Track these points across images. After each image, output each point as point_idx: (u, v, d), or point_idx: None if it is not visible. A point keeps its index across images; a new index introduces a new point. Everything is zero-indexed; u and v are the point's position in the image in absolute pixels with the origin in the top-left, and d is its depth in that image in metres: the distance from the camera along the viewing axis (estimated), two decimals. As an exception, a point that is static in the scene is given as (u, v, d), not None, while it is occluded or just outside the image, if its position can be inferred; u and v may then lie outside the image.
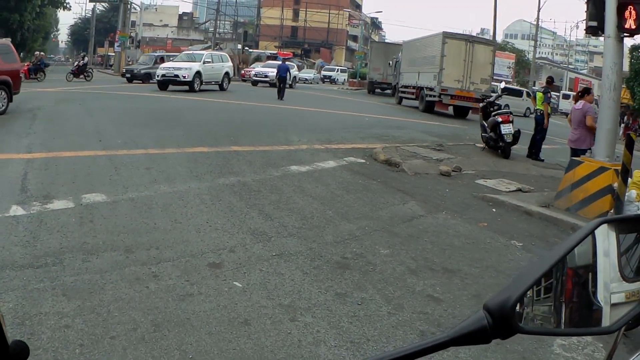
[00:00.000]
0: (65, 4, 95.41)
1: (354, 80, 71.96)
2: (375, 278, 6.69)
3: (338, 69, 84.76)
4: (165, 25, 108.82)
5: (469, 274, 7.10)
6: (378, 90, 53.47)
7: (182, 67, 35.96)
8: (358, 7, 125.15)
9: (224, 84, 39.24)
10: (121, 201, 9.60)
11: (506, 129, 16.32)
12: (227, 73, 39.79)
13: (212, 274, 6.53)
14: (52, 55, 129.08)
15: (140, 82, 44.53)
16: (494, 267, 7.59)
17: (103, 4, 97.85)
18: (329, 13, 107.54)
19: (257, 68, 55.60)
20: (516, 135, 16.40)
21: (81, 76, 44.99)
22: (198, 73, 36.07)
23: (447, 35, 32.10)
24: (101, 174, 11.57)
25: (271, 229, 8.42)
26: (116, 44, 70.09)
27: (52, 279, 6.19)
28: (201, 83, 36.61)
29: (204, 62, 37.04)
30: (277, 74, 36.73)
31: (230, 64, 42.49)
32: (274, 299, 5.92)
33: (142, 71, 46.14)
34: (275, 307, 5.74)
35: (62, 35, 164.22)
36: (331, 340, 5.14)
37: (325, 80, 78.31)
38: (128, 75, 46.67)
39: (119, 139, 15.42)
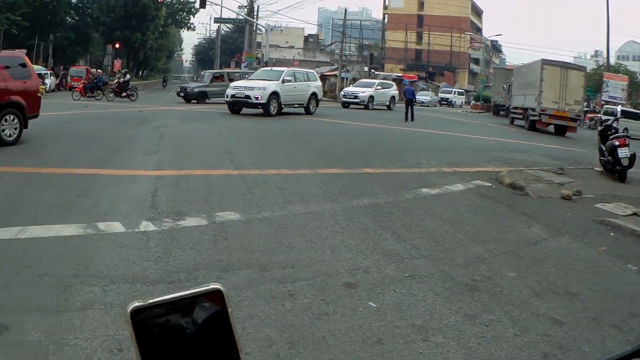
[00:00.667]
0: (189, 25, 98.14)
1: (477, 103, 71.30)
2: (503, 300, 6.69)
3: (455, 92, 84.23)
4: (292, 47, 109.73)
5: (589, 297, 7.02)
6: (502, 113, 53.61)
7: (256, 86, 31.48)
8: (478, 30, 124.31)
9: (311, 107, 34.69)
10: (255, 220, 9.77)
11: (623, 153, 16.01)
12: (314, 94, 34.93)
13: (347, 294, 6.61)
14: (177, 74, 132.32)
15: (195, 102, 43.46)
16: (612, 291, 7.47)
17: (228, 25, 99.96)
18: (451, 36, 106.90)
19: (347, 88, 52.59)
20: (632, 159, 16.07)
21: (123, 95, 42.42)
22: (275, 94, 31.45)
23: (545, 62, 36.55)
24: (234, 193, 11.85)
25: (404, 250, 8.46)
26: (243, 65, 71.21)
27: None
28: (279, 106, 32.03)
29: (283, 81, 32.14)
30: (404, 96, 37.89)
31: (318, 83, 36.93)
32: (407, 319, 5.97)
33: (196, 90, 44.55)
34: (408, 327, 5.78)
35: (187, 54, 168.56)
36: None
37: (443, 103, 78.05)
38: (182, 94, 44.58)
39: (251, 159, 15.81)
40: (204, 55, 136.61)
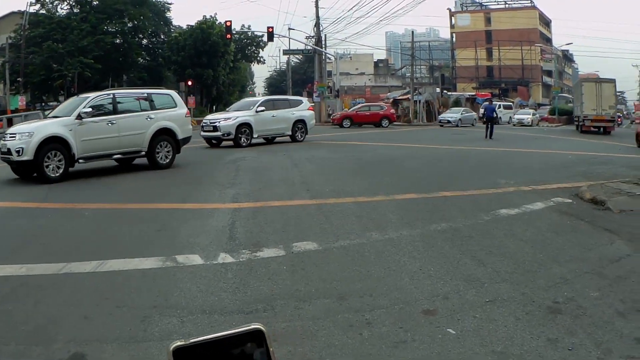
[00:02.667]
0: (259, 58, 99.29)
1: (553, 116, 70.25)
2: (585, 322, 6.50)
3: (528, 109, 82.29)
4: (362, 73, 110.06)
5: (673, 316, 6.78)
6: None
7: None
8: (548, 40, 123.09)
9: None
10: (333, 249, 9.80)
11: None
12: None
13: (425, 321, 6.53)
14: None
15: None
16: (700, 308, 7.22)
17: (297, 56, 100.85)
18: (521, 49, 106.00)
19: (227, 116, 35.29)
20: None
21: None
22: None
23: (582, 80, 54.20)
24: (311, 222, 11.92)
25: (484, 274, 8.35)
26: (315, 94, 71.75)
27: (263, 324, 6.37)
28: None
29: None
30: (484, 113, 40.05)
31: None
32: (487, 346, 5.87)
33: None
34: (487, 354, 5.69)
35: (259, 87, 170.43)
36: None
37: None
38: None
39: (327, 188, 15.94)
40: (276, 87, 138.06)
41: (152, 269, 8.72)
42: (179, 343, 1.02)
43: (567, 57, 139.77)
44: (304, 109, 34.56)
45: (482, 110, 47.25)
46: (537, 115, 74.46)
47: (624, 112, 63.18)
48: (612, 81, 50.85)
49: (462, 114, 64.37)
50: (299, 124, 33.18)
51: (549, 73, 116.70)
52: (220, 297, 7.43)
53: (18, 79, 60.70)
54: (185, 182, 18.19)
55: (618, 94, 56.20)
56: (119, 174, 20.29)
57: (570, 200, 14.05)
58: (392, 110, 60.81)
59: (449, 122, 61.08)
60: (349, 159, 24.92)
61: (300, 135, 33.47)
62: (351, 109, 62.81)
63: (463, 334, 6.18)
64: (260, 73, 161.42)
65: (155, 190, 16.92)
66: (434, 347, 5.85)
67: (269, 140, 32.02)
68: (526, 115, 71.51)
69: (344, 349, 5.79)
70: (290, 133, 32.85)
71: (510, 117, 72.31)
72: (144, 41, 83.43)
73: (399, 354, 5.71)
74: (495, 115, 41.55)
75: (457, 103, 77.55)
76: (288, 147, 30.65)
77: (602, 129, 48.50)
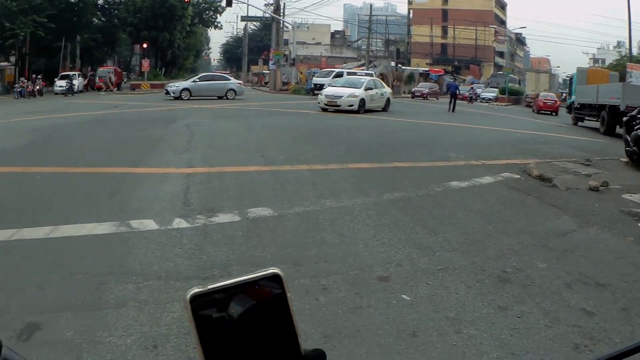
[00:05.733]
0: (216, 24, 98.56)
1: (503, 96, 71.40)
2: (534, 292, 6.70)
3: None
4: (318, 43, 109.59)
5: (619, 288, 6.99)
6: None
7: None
8: (502, 23, 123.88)
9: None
10: (288, 215, 9.87)
11: None
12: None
13: (380, 287, 6.66)
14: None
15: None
16: (640, 282, 7.49)
17: (255, 23, 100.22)
18: (476, 30, 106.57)
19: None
20: None
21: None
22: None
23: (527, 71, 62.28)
24: (266, 189, 11.99)
25: (436, 243, 8.50)
26: (270, 62, 71.43)
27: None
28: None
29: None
30: (448, 90, 45.22)
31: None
32: (440, 312, 6.01)
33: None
34: (441, 320, 5.82)
35: (215, 53, 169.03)
36: (493, 352, 5.19)
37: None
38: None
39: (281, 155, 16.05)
40: (232, 53, 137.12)
41: (106, 234, 8.64)
42: (196, 290, 0.99)
43: (520, 40, 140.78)
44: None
45: (446, 87, 52.73)
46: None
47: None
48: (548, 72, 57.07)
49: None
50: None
51: (501, 54, 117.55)
52: (175, 262, 7.43)
53: (-33, 38, 59.07)
54: (139, 146, 18.07)
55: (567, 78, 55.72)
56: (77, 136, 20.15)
57: (518, 176, 14.33)
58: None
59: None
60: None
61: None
62: None
63: (417, 300, 6.32)
64: (217, 39, 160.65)
65: (103, 154, 16.74)
66: (389, 312, 5.98)
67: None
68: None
69: (301, 315, 5.77)
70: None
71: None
72: (100, 1, 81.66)
73: (356, 319, 5.80)
74: (457, 91, 45.82)
75: (410, 78, 78.04)
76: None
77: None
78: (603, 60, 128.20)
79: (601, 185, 13.25)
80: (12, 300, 6.20)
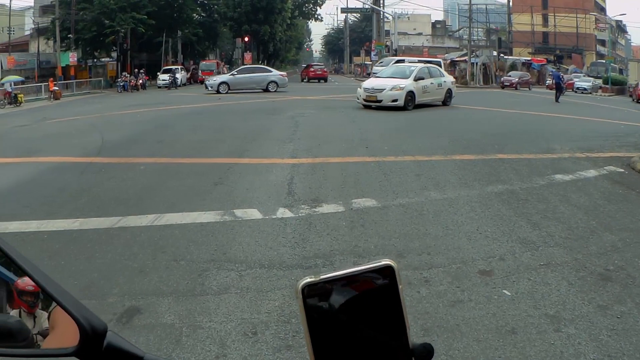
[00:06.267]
0: (316, 16, 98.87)
1: (606, 86, 69.11)
2: (635, 291, 6.54)
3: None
4: (420, 34, 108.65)
5: None
6: None
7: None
8: (602, 10, 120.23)
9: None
10: (392, 206, 9.96)
11: None
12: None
13: (482, 282, 6.67)
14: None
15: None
16: None
17: (355, 14, 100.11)
18: (577, 17, 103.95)
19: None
20: None
21: None
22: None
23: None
24: (370, 179, 12.09)
25: (539, 238, 8.43)
26: (373, 53, 71.38)
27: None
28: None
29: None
30: (553, 80, 44.35)
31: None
32: (540, 309, 5.97)
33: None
34: (541, 317, 5.79)
35: (316, 44, 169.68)
36: (590, 354, 5.11)
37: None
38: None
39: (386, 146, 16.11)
40: (334, 45, 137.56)
41: (210, 222, 8.88)
42: (308, 279, 1.01)
43: (620, 28, 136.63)
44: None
45: (549, 79, 52.28)
46: (597, 83, 73.66)
47: None
48: None
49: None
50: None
51: (602, 42, 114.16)
52: (279, 251, 7.59)
53: (69, 36, 60.69)
54: (242, 137, 18.39)
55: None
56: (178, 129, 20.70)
57: (622, 170, 13.95)
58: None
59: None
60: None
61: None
62: None
63: (518, 295, 6.31)
64: (318, 30, 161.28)
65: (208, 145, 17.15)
66: (490, 307, 5.99)
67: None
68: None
69: None
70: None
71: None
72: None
73: (456, 312, 5.84)
74: (561, 81, 43.85)
75: (513, 67, 76.38)
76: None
77: None
78: None
79: None
80: (114, 285, 6.50)
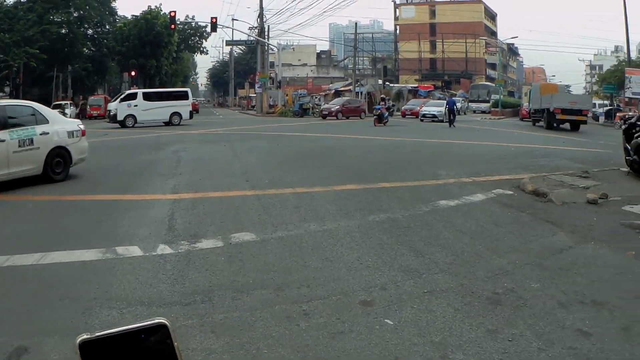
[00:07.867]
0: (202, 49, 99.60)
1: (496, 109, 71.02)
2: (526, 313, 6.49)
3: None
4: (304, 65, 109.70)
5: (618, 306, 6.72)
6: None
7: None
8: (493, 34, 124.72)
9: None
10: (271, 240, 9.80)
11: None
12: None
13: (363, 312, 6.51)
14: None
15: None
16: (642, 298, 7.24)
17: (240, 46, 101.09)
18: (466, 42, 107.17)
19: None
20: None
21: None
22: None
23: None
24: (250, 213, 11.92)
25: (422, 265, 8.33)
26: (257, 85, 72.16)
27: (201, 316, 6.41)
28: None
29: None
30: (446, 106, 47.92)
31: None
32: (425, 337, 5.82)
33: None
34: (426, 345, 5.64)
35: (202, 78, 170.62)
36: None
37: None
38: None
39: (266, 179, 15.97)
40: (219, 77, 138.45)
41: (93, 260, 8.72)
42: (85, 336, 1.02)
43: (512, 51, 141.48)
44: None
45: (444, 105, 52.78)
46: (466, 104, 78.85)
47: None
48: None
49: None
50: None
51: (493, 66, 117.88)
52: (158, 288, 7.44)
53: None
54: (127, 173, 17.94)
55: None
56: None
57: (511, 192, 14.14)
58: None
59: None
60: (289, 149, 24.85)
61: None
62: None
63: (401, 324, 6.14)
64: (203, 63, 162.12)
65: (92, 182, 16.69)
66: (372, 337, 5.81)
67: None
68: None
69: (281, 340, 5.74)
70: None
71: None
72: (90, 31, 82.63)
73: (337, 344, 5.66)
74: (455, 107, 47.82)
75: (399, 95, 77.84)
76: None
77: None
78: (600, 67, 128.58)
79: (600, 198, 13.01)
80: (2, 324, 6.37)
